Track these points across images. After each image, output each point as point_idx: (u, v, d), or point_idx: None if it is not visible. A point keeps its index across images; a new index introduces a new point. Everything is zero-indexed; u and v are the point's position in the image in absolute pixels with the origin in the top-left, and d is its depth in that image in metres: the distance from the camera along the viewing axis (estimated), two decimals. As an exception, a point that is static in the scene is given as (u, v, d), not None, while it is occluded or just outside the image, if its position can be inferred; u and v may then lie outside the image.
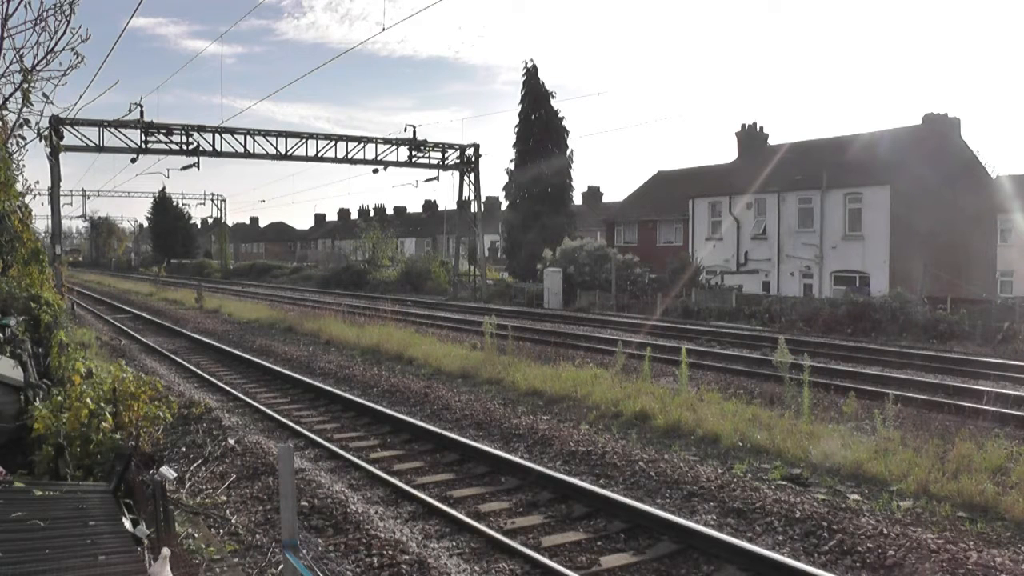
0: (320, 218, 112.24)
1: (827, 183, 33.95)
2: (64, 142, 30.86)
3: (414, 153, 37.89)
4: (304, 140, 35.83)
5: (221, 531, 6.87)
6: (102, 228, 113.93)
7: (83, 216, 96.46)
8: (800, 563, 5.94)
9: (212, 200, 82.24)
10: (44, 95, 8.79)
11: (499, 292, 39.64)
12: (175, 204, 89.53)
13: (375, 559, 6.19)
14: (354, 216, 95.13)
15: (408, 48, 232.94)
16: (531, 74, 44.52)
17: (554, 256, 36.17)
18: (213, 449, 9.63)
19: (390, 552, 6.28)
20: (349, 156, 36.68)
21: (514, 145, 45.32)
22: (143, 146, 32.69)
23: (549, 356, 16.94)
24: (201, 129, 33.82)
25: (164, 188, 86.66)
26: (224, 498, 7.84)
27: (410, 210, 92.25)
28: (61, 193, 32.03)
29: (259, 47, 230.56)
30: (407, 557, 6.17)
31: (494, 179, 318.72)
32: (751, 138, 42.74)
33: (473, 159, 39.37)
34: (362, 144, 36.79)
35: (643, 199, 49.22)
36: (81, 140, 31.81)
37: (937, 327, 21.66)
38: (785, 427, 9.85)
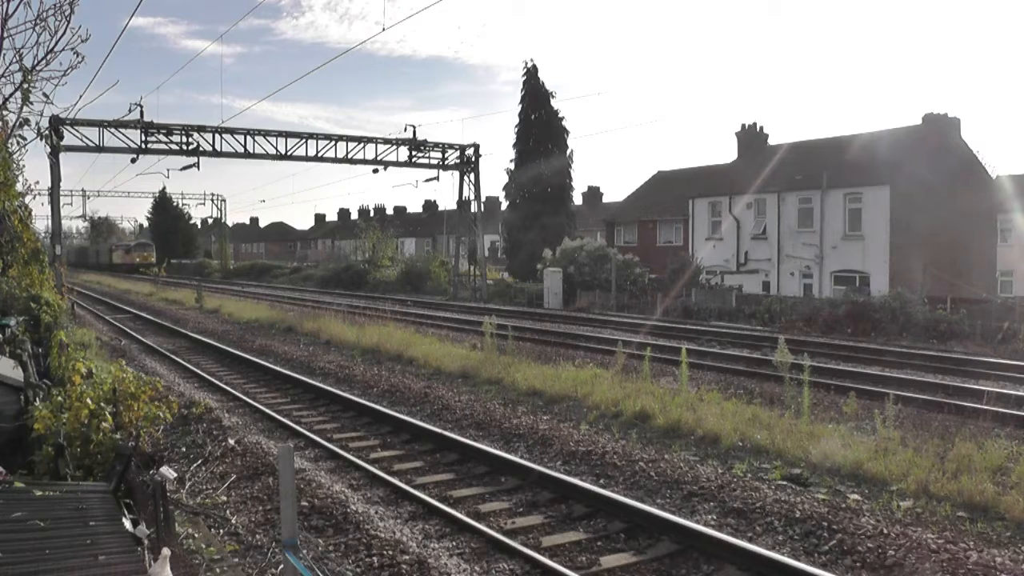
0: (320, 218, 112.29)
1: (827, 183, 33.96)
2: (64, 142, 30.86)
3: (414, 153, 37.89)
4: (304, 140, 35.82)
5: (221, 531, 6.87)
6: (102, 228, 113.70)
7: (83, 216, 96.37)
8: (800, 563, 5.94)
9: (212, 200, 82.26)
10: (44, 95, 8.80)
11: (499, 292, 39.64)
12: (175, 204, 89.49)
13: (375, 559, 6.19)
14: (354, 216, 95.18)
15: (407, 48, 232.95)
16: (531, 74, 44.55)
17: (554, 256, 36.17)
18: (213, 449, 9.64)
19: (390, 552, 6.28)
20: (349, 156, 36.67)
21: (514, 145, 45.39)
22: (143, 146, 32.67)
23: (549, 356, 16.95)
24: (201, 129, 33.81)
25: (164, 188, 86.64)
26: (224, 498, 7.84)
27: (410, 210, 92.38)
28: (61, 193, 32.02)
29: (258, 47, 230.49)
30: (407, 557, 6.17)
31: (494, 179, 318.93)
32: (751, 138, 42.75)
33: (473, 159, 39.37)
34: (362, 144, 36.79)
35: (643, 199, 49.25)
36: (81, 140, 31.81)
37: (937, 327, 21.66)
38: (785, 427, 9.85)
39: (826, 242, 34.56)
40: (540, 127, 44.25)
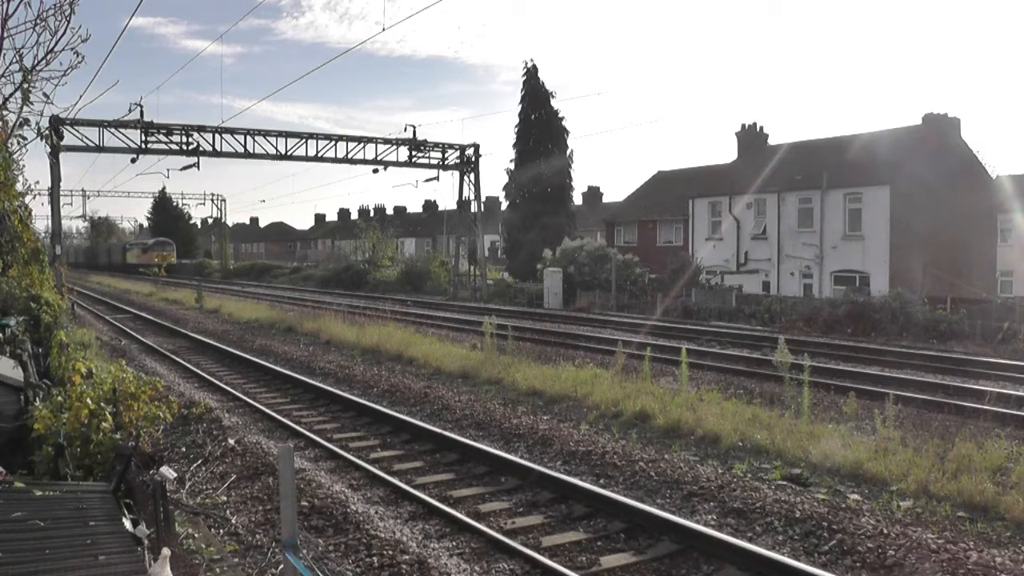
0: (320, 218, 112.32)
1: (827, 183, 33.96)
2: (64, 142, 30.85)
3: (414, 153, 37.90)
4: (304, 140, 35.83)
5: (221, 531, 6.87)
6: (102, 228, 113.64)
7: (83, 216, 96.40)
8: (800, 563, 5.94)
9: (212, 200, 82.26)
10: (44, 95, 8.78)
11: (499, 292, 39.64)
12: (175, 204, 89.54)
13: (375, 559, 6.19)
14: (354, 216, 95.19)
15: (407, 48, 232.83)
16: (531, 74, 44.57)
17: (554, 256, 36.17)
18: (213, 449, 9.64)
19: (390, 552, 6.28)
20: (349, 156, 36.69)
21: (514, 145, 45.42)
22: (143, 146, 32.68)
23: (549, 356, 16.95)
24: (201, 129, 33.82)
25: (164, 188, 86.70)
26: (224, 498, 7.84)
27: (410, 210, 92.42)
28: (61, 193, 32.03)
29: (258, 47, 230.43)
30: (407, 557, 6.17)
31: (494, 179, 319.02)
32: (751, 138, 42.74)
33: (473, 159, 39.37)
34: (362, 144, 36.80)
35: (643, 199, 49.25)
36: (81, 140, 31.81)
37: (937, 327, 21.66)
38: (785, 427, 9.85)
39: (826, 242, 34.56)
40: (540, 127, 44.26)
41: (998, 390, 12.60)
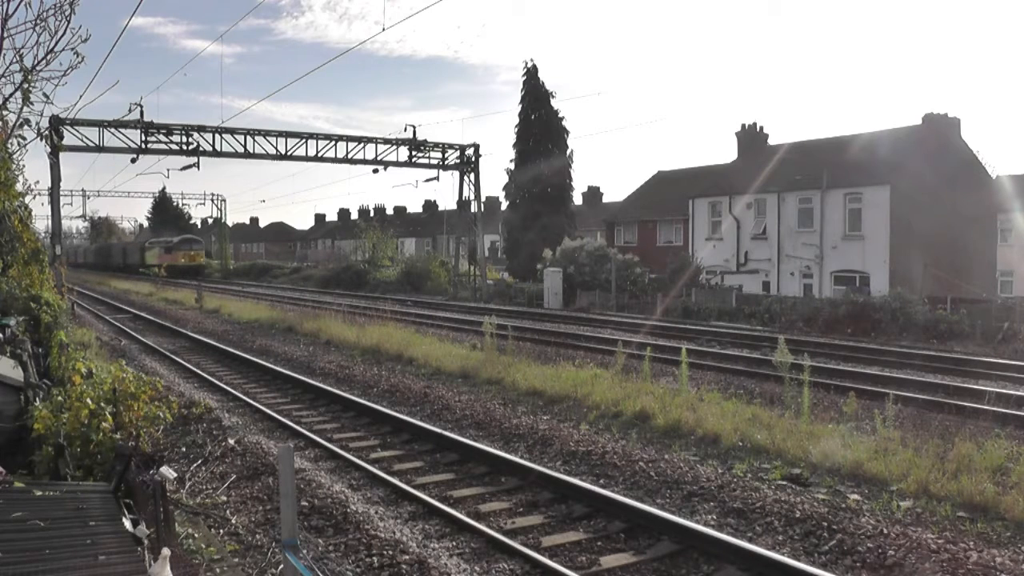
0: (320, 218, 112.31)
1: (827, 183, 33.97)
2: (64, 142, 30.83)
3: (414, 153, 37.90)
4: (304, 140, 35.83)
5: (221, 531, 6.87)
6: (102, 228, 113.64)
7: (83, 216, 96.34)
8: (800, 563, 5.94)
9: (212, 200, 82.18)
10: (44, 95, 8.78)
11: (499, 292, 39.64)
12: (175, 204, 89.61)
13: (375, 559, 6.19)
14: (354, 216, 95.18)
15: (407, 48, 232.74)
16: (531, 74, 44.59)
17: (554, 256, 36.18)
18: (213, 449, 9.64)
19: (390, 552, 6.28)
20: (349, 156, 36.69)
21: (514, 145, 45.44)
22: (143, 146, 32.69)
23: (549, 356, 16.95)
24: (201, 129, 33.81)
25: (164, 188, 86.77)
26: (224, 498, 7.84)
27: (410, 210, 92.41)
28: (61, 193, 32.05)
29: (258, 47, 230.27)
30: (407, 557, 6.17)
31: (494, 179, 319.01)
32: (751, 138, 42.74)
33: (473, 159, 39.37)
34: (362, 144, 36.80)
35: (643, 199, 49.25)
36: (81, 140, 31.81)
37: (937, 327, 21.67)
38: (785, 427, 9.85)
39: (826, 242, 34.56)
40: (540, 127, 44.28)
41: (998, 390, 12.60)
